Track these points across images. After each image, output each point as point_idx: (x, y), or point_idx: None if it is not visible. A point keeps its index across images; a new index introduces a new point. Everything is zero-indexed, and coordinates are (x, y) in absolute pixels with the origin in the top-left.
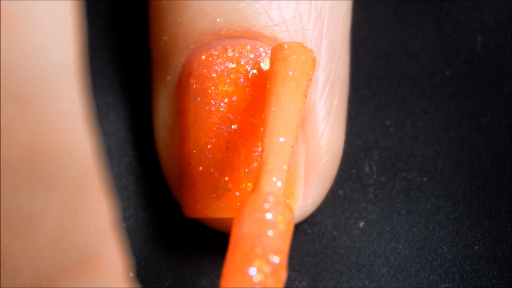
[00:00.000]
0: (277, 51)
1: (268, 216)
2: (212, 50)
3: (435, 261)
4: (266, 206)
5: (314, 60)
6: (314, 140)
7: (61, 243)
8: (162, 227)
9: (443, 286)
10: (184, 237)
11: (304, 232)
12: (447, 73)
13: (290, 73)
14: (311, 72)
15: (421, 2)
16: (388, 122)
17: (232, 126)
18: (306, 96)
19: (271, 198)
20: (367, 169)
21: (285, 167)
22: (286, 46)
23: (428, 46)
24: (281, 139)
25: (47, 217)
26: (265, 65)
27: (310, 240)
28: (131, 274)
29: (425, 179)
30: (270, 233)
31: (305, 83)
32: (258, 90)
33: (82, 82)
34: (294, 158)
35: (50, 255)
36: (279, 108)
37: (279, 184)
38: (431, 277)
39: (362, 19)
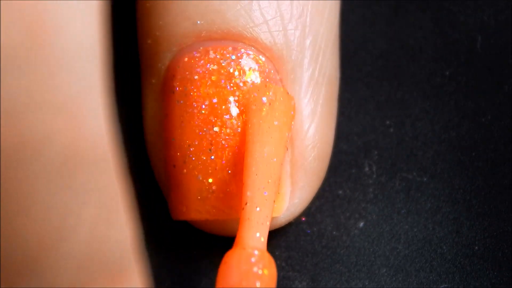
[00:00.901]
0: (262, 93)
1: (255, 269)
2: (194, 53)
3: (435, 261)
4: (253, 259)
5: (295, 110)
6: (299, 139)
7: (92, 254)
8: (161, 228)
9: (443, 286)
10: (184, 237)
11: (304, 232)
12: (447, 73)
13: (276, 123)
14: (292, 122)
15: (421, 2)
16: (388, 122)
17: (214, 128)
18: (287, 149)
19: (256, 252)
20: (367, 169)
21: (268, 223)
22: (271, 93)
23: (428, 46)
24: (265, 193)
25: (80, 227)
26: (247, 66)
27: (310, 240)
28: None
29: (425, 179)
30: (258, 284)
31: (287, 134)
32: (239, 92)
33: (110, 95)
34: None
35: (80, 266)
36: (263, 160)
37: (262, 239)
38: (431, 277)
39: (362, 19)
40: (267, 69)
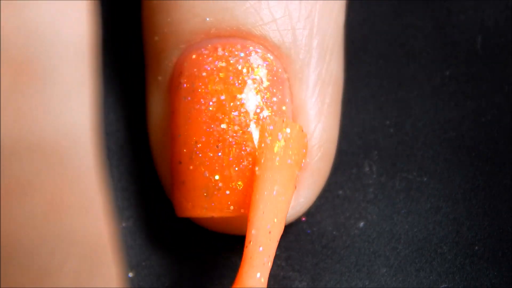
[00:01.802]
0: (279, 128)
1: None
2: (202, 50)
3: (435, 261)
4: None
5: (307, 147)
6: None
7: None
8: (162, 227)
9: (443, 286)
10: (184, 237)
11: (304, 232)
12: (447, 73)
13: (289, 161)
14: (303, 160)
15: (421, 2)
16: (388, 122)
17: (222, 125)
18: (295, 188)
19: None
20: (367, 169)
21: (270, 264)
22: (288, 130)
23: (428, 46)
24: (270, 232)
25: (64, 272)
26: (255, 64)
27: (310, 240)
28: (131, 274)
29: (425, 179)
30: None
31: (297, 173)
32: (247, 89)
33: (98, 142)
34: None
35: None
36: (271, 199)
37: (262, 280)
38: (431, 277)
39: (362, 19)
40: (275, 68)
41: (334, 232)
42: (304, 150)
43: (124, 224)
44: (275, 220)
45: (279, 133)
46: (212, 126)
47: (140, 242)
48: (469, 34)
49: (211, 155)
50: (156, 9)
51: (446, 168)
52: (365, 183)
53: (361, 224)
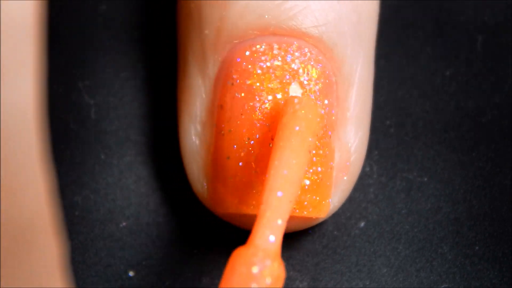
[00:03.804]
0: (288, 105)
1: (255, 270)
2: (257, 46)
3: (436, 261)
4: (254, 259)
5: (322, 117)
6: (346, 147)
7: (9, 277)
8: (162, 227)
9: (443, 286)
10: (184, 236)
11: (305, 232)
12: (447, 73)
13: (297, 128)
14: (318, 128)
15: (421, 2)
16: (388, 122)
17: None
18: (310, 152)
19: (260, 253)
20: (367, 169)
21: (280, 222)
22: (296, 101)
23: (428, 46)
24: (279, 194)
25: None
26: (310, 65)
27: (311, 240)
28: (131, 274)
29: (425, 179)
30: (254, 286)
31: (310, 139)
32: (304, 88)
33: (42, 122)
34: (327, 163)
35: None
36: (281, 163)
37: (271, 239)
38: (431, 277)
39: None
40: (327, 71)
41: (335, 232)
42: (319, 119)
43: (124, 224)
44: (287, 182)
45: (289, 108)
46: (267, 124)
47: (140, 241)
48: (469, 34)
49: (264, 153)
50: (209, 3)
51: (446, 168)
52: (366, 183)
53: (362, 224)
